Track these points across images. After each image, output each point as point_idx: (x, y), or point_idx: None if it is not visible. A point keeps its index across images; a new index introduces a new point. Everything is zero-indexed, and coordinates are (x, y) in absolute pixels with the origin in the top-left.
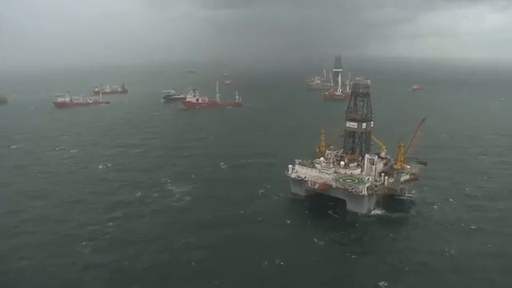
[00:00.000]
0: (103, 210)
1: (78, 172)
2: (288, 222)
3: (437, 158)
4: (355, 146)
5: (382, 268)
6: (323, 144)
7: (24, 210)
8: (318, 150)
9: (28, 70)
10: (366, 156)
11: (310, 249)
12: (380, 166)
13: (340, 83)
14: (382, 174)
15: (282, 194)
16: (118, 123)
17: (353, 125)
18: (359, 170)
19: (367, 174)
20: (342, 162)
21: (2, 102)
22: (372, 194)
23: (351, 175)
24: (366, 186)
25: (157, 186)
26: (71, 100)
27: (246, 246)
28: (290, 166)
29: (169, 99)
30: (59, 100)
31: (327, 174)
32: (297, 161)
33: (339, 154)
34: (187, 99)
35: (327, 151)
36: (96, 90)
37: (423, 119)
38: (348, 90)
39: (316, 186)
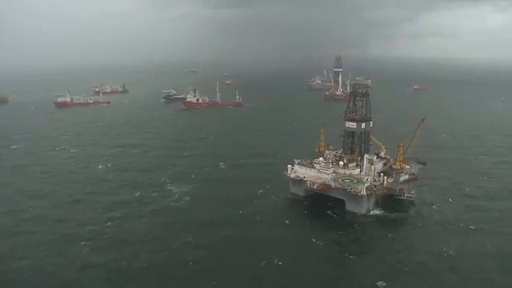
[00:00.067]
0: (102, 209)
1: (77, 172)
2: (287, 222)
3: (437, 158)
4: (354, 146)
5: (381, 268)
6: (322, 144)
7: (23, 209)
8: (317, 149)
9: (28, 69)
10: (365, 156)
11: (309, 249)
12: (379, 166)
13: (340, 83)
14: (381, 174)
15: (281, 194)
16: (119, 123)
17: (352, 125)
18: (358, 170)
19: (366, 174)
20: (341, 162)
21: (3, 101)
22: (371, 194)
23: (350, 175)
24: (365, 186)
25: (156, 185)
26: (72, 100)
27: (245, 246)
28: (289, 166)
29: (169, 99)
30: (60, 100)
31: (326, 174)
32: (296, 161)
33: (338, 154)
34: (187, 99)
35: (326, 151)
36: (96, 89)
37: (422, 119)
38: (348, 90)
39: (315, 186)
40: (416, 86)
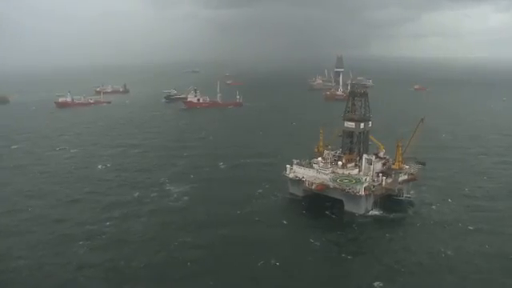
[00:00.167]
0: (101, 209)
1: (77, 172)
2: (285, 222)
3: (437, 158)
4: (353, 146)
5: (378, 268)
6: (322, 144)
7: (22, 209)
8: (316, 149)
9: (29, 70)
10: (364, 156)
11: (306, 249)
12: (378, 166)
13: (341, 83)
14: (380, 174)
15: (279, 194)
16: (119, 123)
17: (351, 125)
18: (357, 170)
19: (365, 174)
20: (340, 162)
21: (4, 101)
22: (369, 195)
23: (349, 175)
24: (364, 186)
25: (155, 185)
26: (72, 100)
27: (242, 246)
28: (287, 166)
29: (170, 99)
30: (60, 100)
31: (325, 174)
32: (294, 161)
33: (337, 154)
34: (188, 99)
35: (325, 151)
36: (98, 89)
37: (422, 119)
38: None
39: (313, 187)
40: (416, 86)
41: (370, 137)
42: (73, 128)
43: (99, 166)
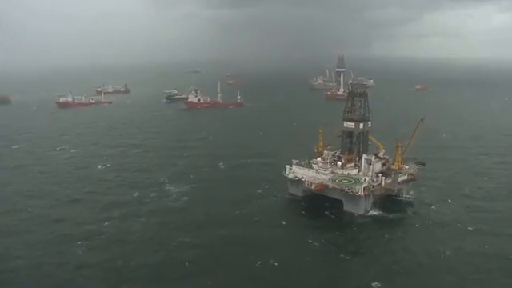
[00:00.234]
0: (100, 209)
1: (76, 172)
2: (284, 222)
3: (437, 159)
4: (353, 146)
5: (376, 269)
6: (321, 144)
7: (22, 209)
8: (316, 150)
9: (29, 70)
10: (364, 156)
11: (305, 249)
12: (378, 166)
13: (342, 83)
14: (380, 175)
15: (279, 194)
16: (120, 123)
17: (350, 125)
18: (356, 170)
19: (364, 175)
20: (339, 163)
21: (6, 102)
22: (369, 195)
23: (348, 175)
24: (363, 186)
25: (155, 185)
26: (73, 100)
27: (241, 246)
28: (287, 166)
29: (171, 99)
30: (61, 100)
31: (324, 174)
32: (294, 161)
33: (337, 155)
34: (189, 99)
35: (325, 151)
36: (98, 89)
37: (422, 119)
38: None
39: (313, 187)
40: (418, 86)
41: (370, 137)
42: (73, 128)
43: (99, 166)
